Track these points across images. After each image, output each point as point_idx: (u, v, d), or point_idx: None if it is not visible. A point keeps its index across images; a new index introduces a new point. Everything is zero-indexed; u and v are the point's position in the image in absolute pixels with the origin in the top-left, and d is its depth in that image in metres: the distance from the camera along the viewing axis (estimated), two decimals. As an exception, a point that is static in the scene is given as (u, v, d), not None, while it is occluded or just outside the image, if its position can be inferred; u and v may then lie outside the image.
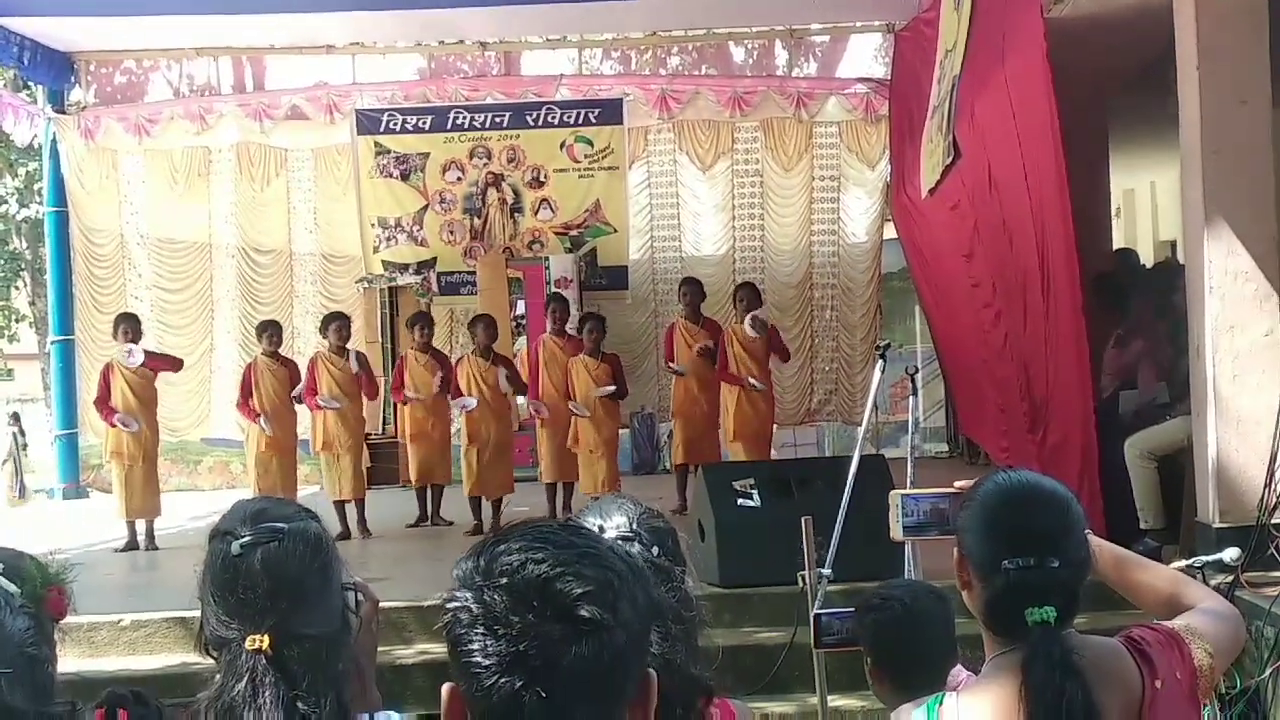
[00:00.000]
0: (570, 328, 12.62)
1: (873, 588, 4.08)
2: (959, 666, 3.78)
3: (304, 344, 16.00)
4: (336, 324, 12.28)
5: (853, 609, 4.27)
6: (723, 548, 8.51)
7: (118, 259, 16.75)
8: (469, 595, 1.57)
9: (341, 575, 2.57)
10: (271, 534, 2.45)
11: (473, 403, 11.92)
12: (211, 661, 2.49)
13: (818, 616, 4.34)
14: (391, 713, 2.59)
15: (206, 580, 2.48)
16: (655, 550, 2.49)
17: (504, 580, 1.56)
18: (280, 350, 12.42)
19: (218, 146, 16.77)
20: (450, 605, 1.59)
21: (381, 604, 2.79)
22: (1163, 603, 2.71)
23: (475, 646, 1.55)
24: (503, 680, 1.53)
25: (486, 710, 1.55)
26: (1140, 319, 9.78)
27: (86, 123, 16.50)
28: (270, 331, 12.29)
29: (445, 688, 1.61)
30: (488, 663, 1.54)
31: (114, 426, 11.82)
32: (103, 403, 11.91)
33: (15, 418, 21.64)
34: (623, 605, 1.58)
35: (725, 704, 2.64)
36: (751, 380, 11.99)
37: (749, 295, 12.36)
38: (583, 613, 1.55)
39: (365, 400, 12.60)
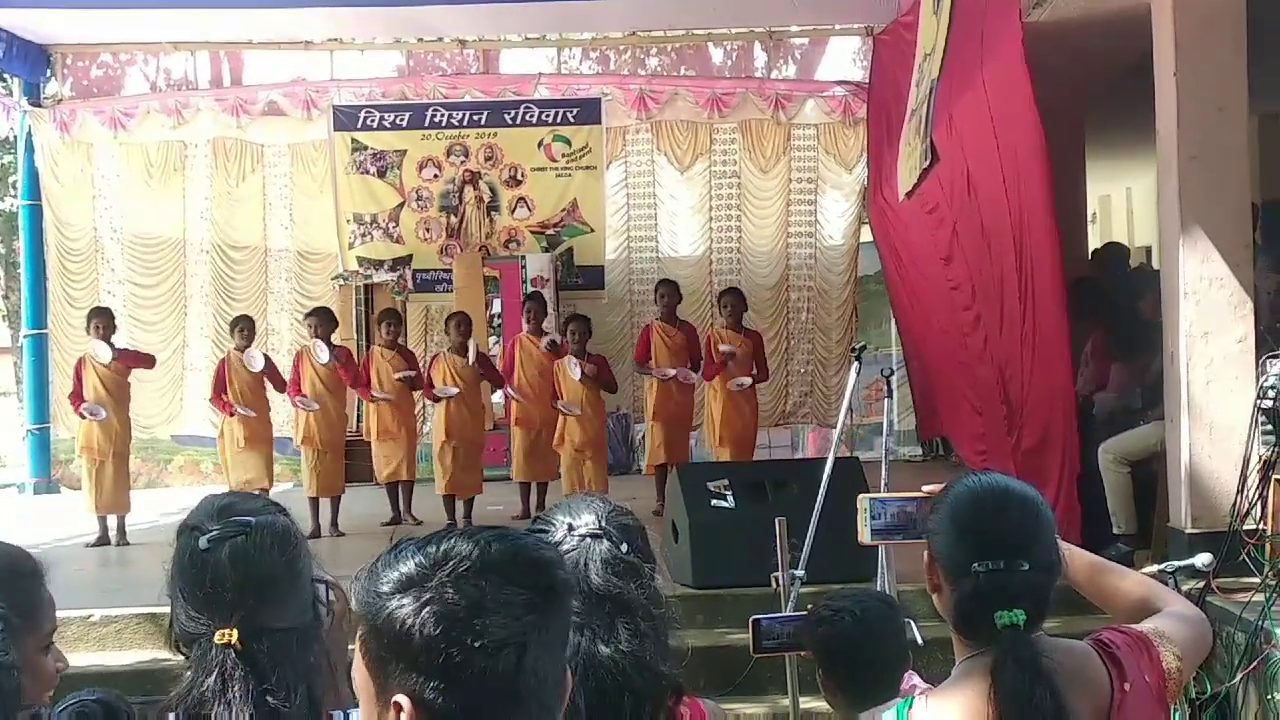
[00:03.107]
0: (547, 327, 12.60)
1: (820, 600, 4.07)
2: (910, 672, 3.80)
3: (278, 341, 15.95)
4: (311, 319, 12.35)
5: (792, 615, 4.27)
6: (696, 549, 8.50)
7: (91, 253, 16.65)
8: (445, 583, 1.60)
9: (311, 569, 2.56)
10: (238, 528, 2.46)
11: (454, 390, 11.88)
12: (182, 657, 2.48)
13: (756, 621, 4.34)
14: None
15: (175, 575, 2.47)
16: (624, 547, 2.50)
17: (468, 565, 1.60)
18: (253, 345, 12.37)
19: (194, 141, 16.66)
20: (404, 610, 1.60)
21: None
22: (1133, 608, 2.71)
23: (458, 634, 1.57)
24: (496, 660, 1.57)
25: (469, 703, 1.57)
26: (1123, 324, 9.81)
27: (62, 116, 16.41)
28: (243, 326, 12.27)
29: (402, 699, 1.60)
30: (480, 644, 1.57)
31: (83, 418, 11.78)
32: (76, 396, 11.87)
33: None
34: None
35: (695, 703, 2.64)
36: (724, 347, 11.93)
37: (733, 301, 12.32)
38: (559, 574, 1.65)
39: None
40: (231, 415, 12.03)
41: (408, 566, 1.62)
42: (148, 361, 12.61)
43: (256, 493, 2.76)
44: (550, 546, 1.70)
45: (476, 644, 1.55)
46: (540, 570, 1.62)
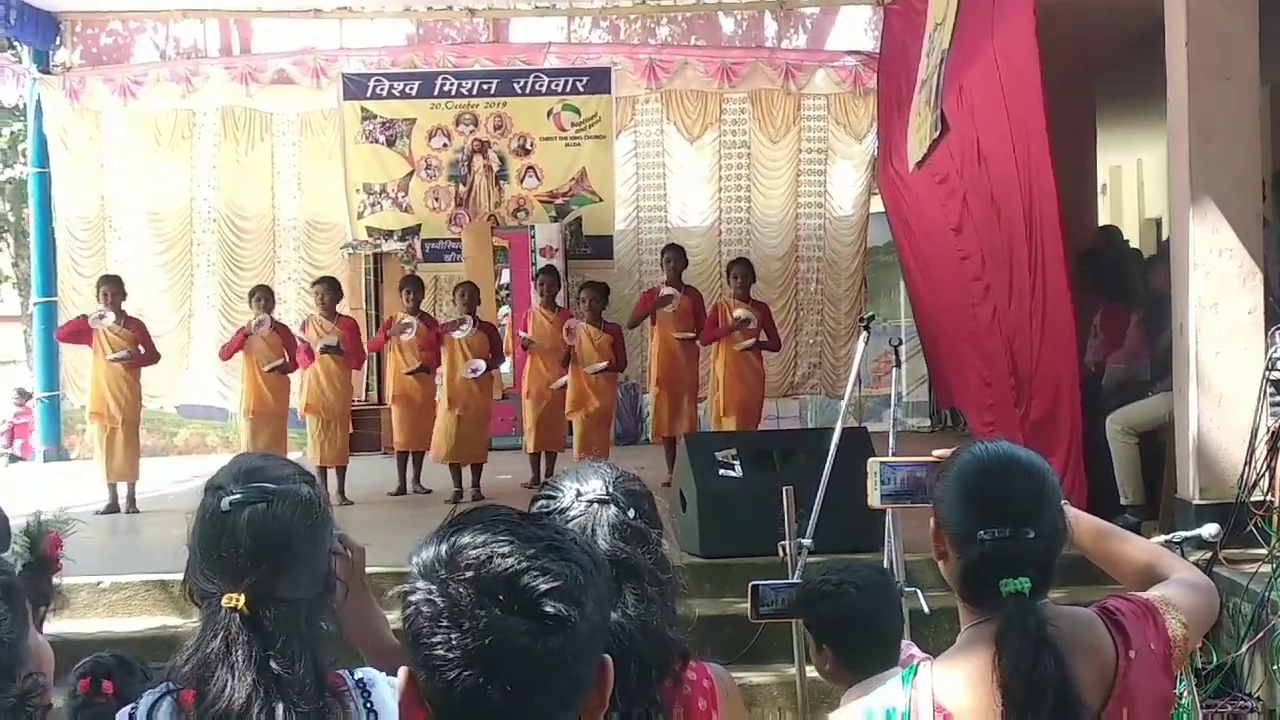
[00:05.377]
0: (560, 300, 12.59)
1: (813, 573, 4.06)
2: (907, 641, 3.80)
3: (285, 310, 15.93)
4: (317, 288, 12.37)
5: (788, 582, 4.27)
6: (704, 518, 8.51)
7: (99, 221, 16.65)
8: (433, 588, 1.58)
9: (331, 541, 2.57)
10: (261, 495, 2.46)
11: (481, 365, 11.90)
12: (190, 622, 2.50)
13: (755, 587, 4.34)
14: (370, 669, 2.58)
15: (195, 531, 2.49)
16: (632, 513, 2.50)
17: (469, 573, 1.57)
18: (272, 315, 12.34)
19: (203, 110, 16.64)
20: (412, 598, 1.59)
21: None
22: (1139, 574, 2.71)
23: (438, 640, 1.55)
24: (465, 674, 1.53)
25: (447, 703, 1.56)
26: (1136, 295, 9.78)
27: (72, 84, 16.40)
28: (261, 296, 12.24)
29: (401, 671, 1.62)
30: (451, 656, 1.54)
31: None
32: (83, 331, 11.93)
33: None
34: (587, 600, 1.59)
35: (703, 667, 2.65)
36: (739, 312, 11.91)
37: (743, 271, 12.26)
38: (548, 609, 1.55)
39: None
40: (244, 342, 12.04)
41: (429, 552, 1.61)
42: (151, 352, 12.29)
43: (288, 458, 2.74)
44: (560, 572, 1.59)
45: (450, 654, 1.54)
46: (535, 598, 1.55)
